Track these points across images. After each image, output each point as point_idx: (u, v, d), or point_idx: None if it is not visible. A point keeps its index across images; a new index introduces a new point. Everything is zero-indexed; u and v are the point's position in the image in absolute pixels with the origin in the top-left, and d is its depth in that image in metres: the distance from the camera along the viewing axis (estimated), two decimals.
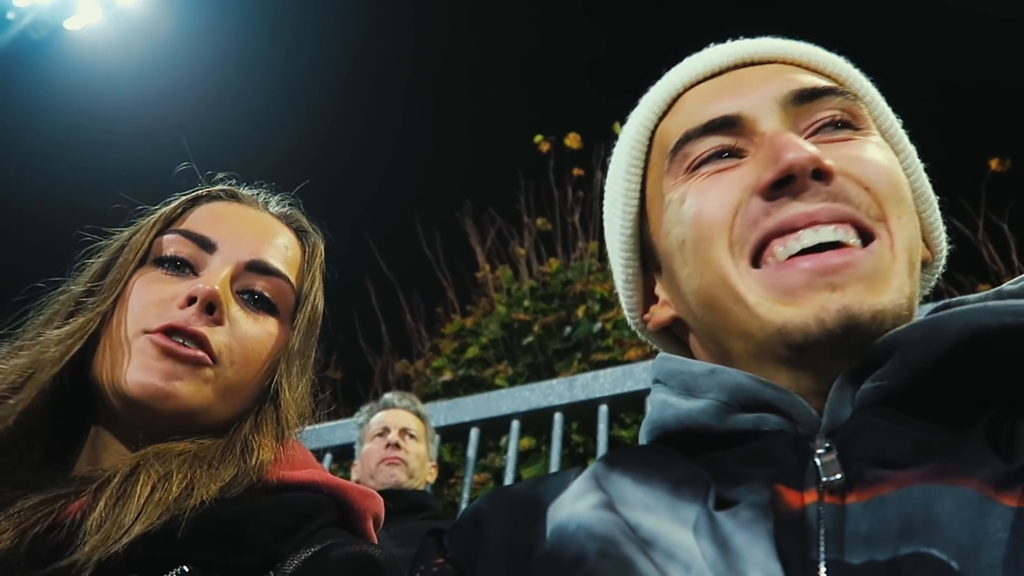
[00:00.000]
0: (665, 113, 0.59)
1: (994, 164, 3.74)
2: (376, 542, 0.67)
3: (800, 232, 0.48)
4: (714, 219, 0.51)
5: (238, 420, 0.65)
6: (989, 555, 0.34)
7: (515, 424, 2.39)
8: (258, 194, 0.77)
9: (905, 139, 0.60)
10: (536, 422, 2.47)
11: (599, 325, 3.46)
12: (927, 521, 0.37)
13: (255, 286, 0.68)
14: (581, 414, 2.46)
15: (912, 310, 0.49)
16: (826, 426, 0.46)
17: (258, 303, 0.68)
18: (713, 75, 0.58)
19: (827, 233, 0.48)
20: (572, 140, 4.39)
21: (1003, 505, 0.36)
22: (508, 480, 2.27)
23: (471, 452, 2.41)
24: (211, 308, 0.62)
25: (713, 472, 0.47)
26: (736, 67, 0.57)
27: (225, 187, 0.75)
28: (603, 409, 2.28)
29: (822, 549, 0.38)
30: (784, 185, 0.49)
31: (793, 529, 0.40)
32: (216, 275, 0.64)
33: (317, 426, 0.73)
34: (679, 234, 0.54)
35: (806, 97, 0.53)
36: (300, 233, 0.76)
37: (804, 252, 0.48)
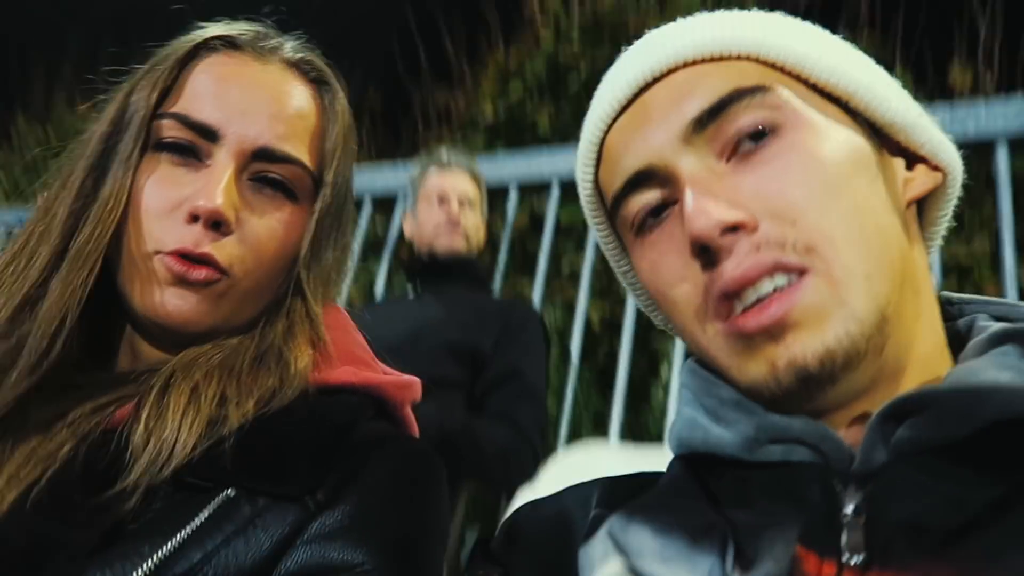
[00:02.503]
0: (599, 161, 0.57)
1: None
2: (415, 426, 0.69)
3: (741, 293, 0.47)
4: (674, 299, 0.51)
5: (267, 317, 0.64)
6: None
7: (555, 186, 2.39)
8: (263, 36, 0.66)
9: (854, 74, 0.51)
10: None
11: None
12: None
13: (267, 172, 0.62)
14: None
15: (893, 309, 0.47)
16: (858, 467, 0.45)
17: (271, 189, 0.63)
18: (623, 108, 0.54)
19: (764, 287, 0.46)
20: None
21: None
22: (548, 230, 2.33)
23: (510, 212, 2.44)
24: (216, 224, 0.59)
25: (735, 505, 0.47)
26: (640, 91, 0.53)
27: (222, 32, 0.65)
28: None
29: None
30: (707, 252, 0.48)
31: None
32: (221, 174, 0.59)
33: (359, 169, 0.70)
34: (653, 304, 0.58)
35: (705, 121, 0.50)
36: (318, 85, 0.67)
37: (751, 306, 0.47)
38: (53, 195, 0.62)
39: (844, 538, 0.42)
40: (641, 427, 2.58)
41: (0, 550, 0.48)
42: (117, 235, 0.60)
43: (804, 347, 0.45)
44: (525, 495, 1.58)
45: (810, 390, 0.46)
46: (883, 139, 0.53)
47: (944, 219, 0.57)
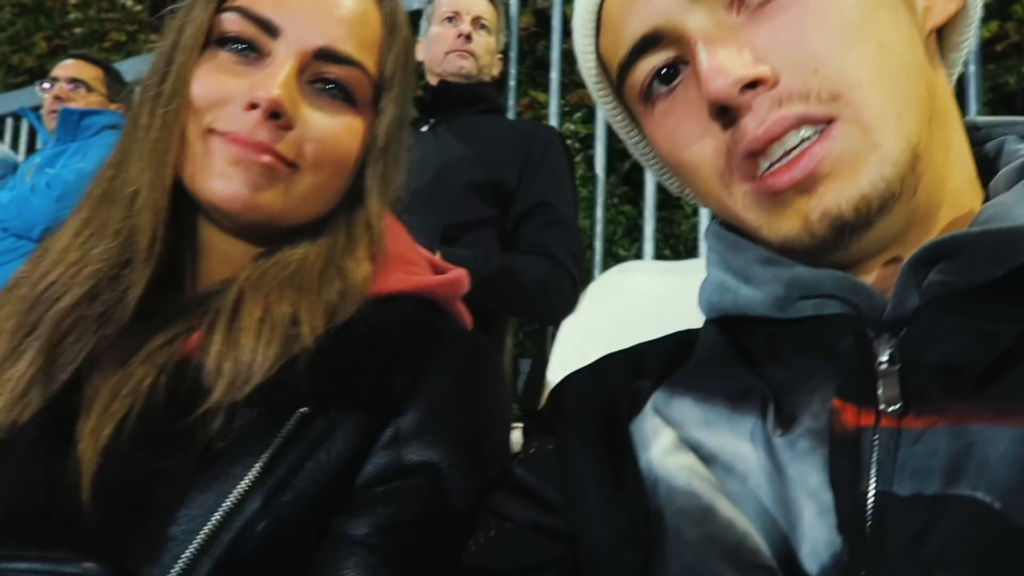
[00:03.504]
0: (598, 29, 0.54)
1: None
2: (466, 315, 0.71)
3: (767, 149, 0.45)
4: (696, 165, 0.50)
5: (328, 224, 0.64)
6: None
7: None
8: None
9: None
10: None
11: None
12: (976, 463, 0.38)
13: (327, 74, 0.61)
14: None
15: (924, 145, 0.45)
16: (890, 314, 0.45)
17: (332, 93, 0.61)
18: None
19: (790, 140, 0.44)
20: None
21: None
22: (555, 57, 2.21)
23: (514, 30, 2.30)
24: (275, 115, 0.58)
25: (770, 363, 0.48)
26: None
27: None
28: None
29: (872, 481, 0.41)
30: (727, 111, 0.46)
31: (847, 454, 0.42)
32: (280, 69, 0.58)
33: None
34: (672, 175, 0.56)
35: None
36: None
37: (778, 161, 0.45)
38: (135, 107, 0.62)
39: (880, 387, 0.43)
40: (675, 236, 2.59)
41: (107, 481, 0.52)
42: (180, 127, 0.60)
43: (838, 196, 0.44)
44: (569, 323, 1.64)
45: (844, 238, 0.45)
46: None
47: (965, 44, 0.54)
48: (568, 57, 2.71)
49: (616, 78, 0.54)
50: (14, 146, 3.49)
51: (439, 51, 1.84)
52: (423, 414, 0.57)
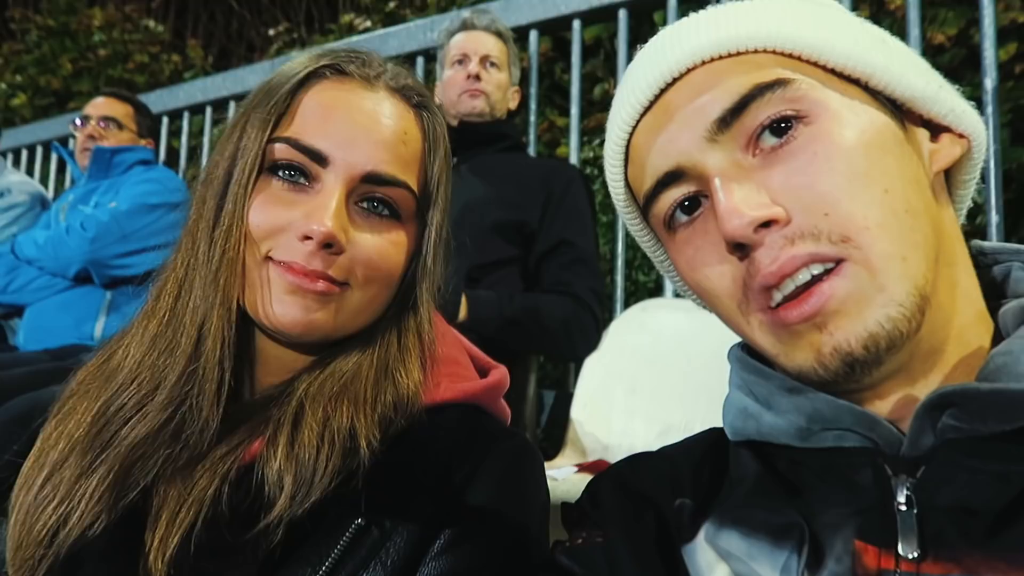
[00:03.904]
0: (626, 161, 0.58)
1: None
2: (507, 411, 0.74)
3: (780, 284, 0.48)
4: (715, 292, 0.53)
5: (380, 333, 0.67)
6: None
7: (576, 24, 2.26)
8: (369, 62, 0.68)
9: (869, 56, 0.51)
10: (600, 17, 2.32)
11: None
12: None
13: (374, 194, 0.64)
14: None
15: (930, 287, 0.48)
16: (907, 451, 0.47)
17: (379, 211, 0.65)
18: (645, 109, 0.55)
19: (801, 276, 0.47)
20: None
21: None
22: (575, 82, 2.24)
23: (533, 58, 2.33)
24: (328, 246, 0.61)
25: (797, 491, 0.51)
26: (661, 92, 0.54)
27: (331, 60, 0.66)
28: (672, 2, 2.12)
29: None
30: (744, 247, 0.49)
31: None
32: (330, 198, 0.61)
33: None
34: (694, 293, 0.58)
35: (728, 120, 0.50)
36: (419, 110, 0.69)
37: (791, 295, 0.48)
38: (192, 225, 0.66)
39: (899, 531, 0.46)
40: None
41: None
42: (241, 257, 0.63)
43: (847, 334, 0.47)
44: (592, 360, 1.67)
45: (856, 372, 0.48)
46: (906, 114, 0.53)
47: (971, 183, 0.57)
48: (586, 80, 2.74)
49: (642, 205, 0.57)
50: (43, 171, 3.58)
51: (452, 94, 1.89)
52: (472, 521, 0.60)
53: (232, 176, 0.64)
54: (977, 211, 1.76)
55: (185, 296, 0.63)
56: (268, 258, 0.62)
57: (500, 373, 0.73)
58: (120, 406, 0.61)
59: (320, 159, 0.63)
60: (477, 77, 1.87)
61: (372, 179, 0.64)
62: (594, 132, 2.89)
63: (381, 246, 0.64)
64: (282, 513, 0.56)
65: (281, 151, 0.63)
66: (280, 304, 0.61)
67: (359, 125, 0.64)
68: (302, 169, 0.63)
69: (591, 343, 1.68)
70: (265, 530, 0.56)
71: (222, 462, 0.60)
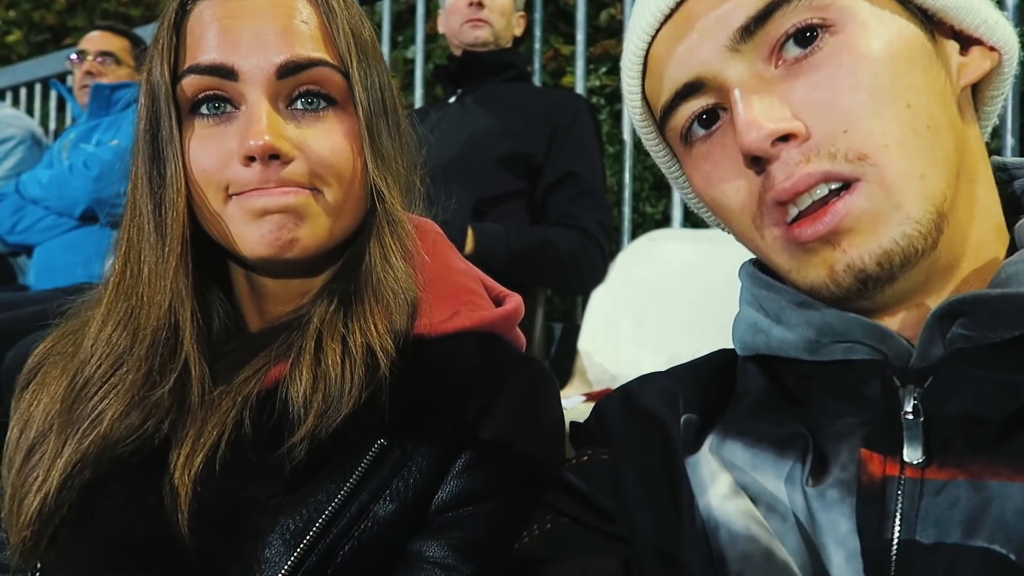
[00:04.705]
0: (644, 72, 0.57)
1: None
2: (522, 338, 0.74)
3: (796, 199, 0.48)
4: (730, 207, 0.53)
5: (362, 237, 0.66)
6: None
7: None
8: None
9: None
10: None
11: None
12: (994, 518, 0.41)
13: (300, 87, 0.62)
14: None
15: (948, 204, 0.47)
16: (916, 363, 0.48)
17: (314, 106, 0.62)
18: (666, 17, 0.53)
19: (818, 191, 0.47)
20: None
21: None
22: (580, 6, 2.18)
23: None
24: (274, 156, 0.59)
25: (804, 403, 0.51)
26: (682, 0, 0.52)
27: None
28: None
29: (897, 529, 0.44)
30: (760, 161, 0.49)
31: (873, 503, 0.45)
32: (256, 111, 0.59)
33: None
34: (708, 210, 0.58)
35: (752, 28, 0.49)
36: None
37: (807, 211, 0.48)
38: (132, 194, 0.65)
39: (905, 439, 0.46)
40: None
41: (202, 508, 0.57)
42: (194, 208, 0.63)
43: (861, 251, 0.47)
44: (599, 292, 1.67)
45: (869, 289, 0.48)
46: (936, 24, 0.51)
47: (999, 99, 0.55)
48: (592, 4, 2.66)
49: (659, 119, 0.56)
50: (43, 110, 3.53)
51: (455, 23, 1.83)
52: (490, 445, 0.62)
53: (157, 134, 0.62)
54: (992, 135, 1.73)
55: (135, 264, 0.64)
56: (229, 197, 0.61)
57: (515, 302, 0.73)
58: (89, 377, 0.62)
59: (229, 73, 0.60)
60: (480, 4, 1.81)
61: (288, 69, 0.61)
62: (600, 60, 2.82)
63: (331, 140, 0.62)
64: (309, 431, 0.57)
65: (190, 84, 0.61)
66: (256, 230, 0.60)
67: (251, 26, 0.61)
68: (219, 96, 0.61)
69: (598, 276, 1.68)
70: (290, 450, 0.57)
71: (243, 386, 0.61)
